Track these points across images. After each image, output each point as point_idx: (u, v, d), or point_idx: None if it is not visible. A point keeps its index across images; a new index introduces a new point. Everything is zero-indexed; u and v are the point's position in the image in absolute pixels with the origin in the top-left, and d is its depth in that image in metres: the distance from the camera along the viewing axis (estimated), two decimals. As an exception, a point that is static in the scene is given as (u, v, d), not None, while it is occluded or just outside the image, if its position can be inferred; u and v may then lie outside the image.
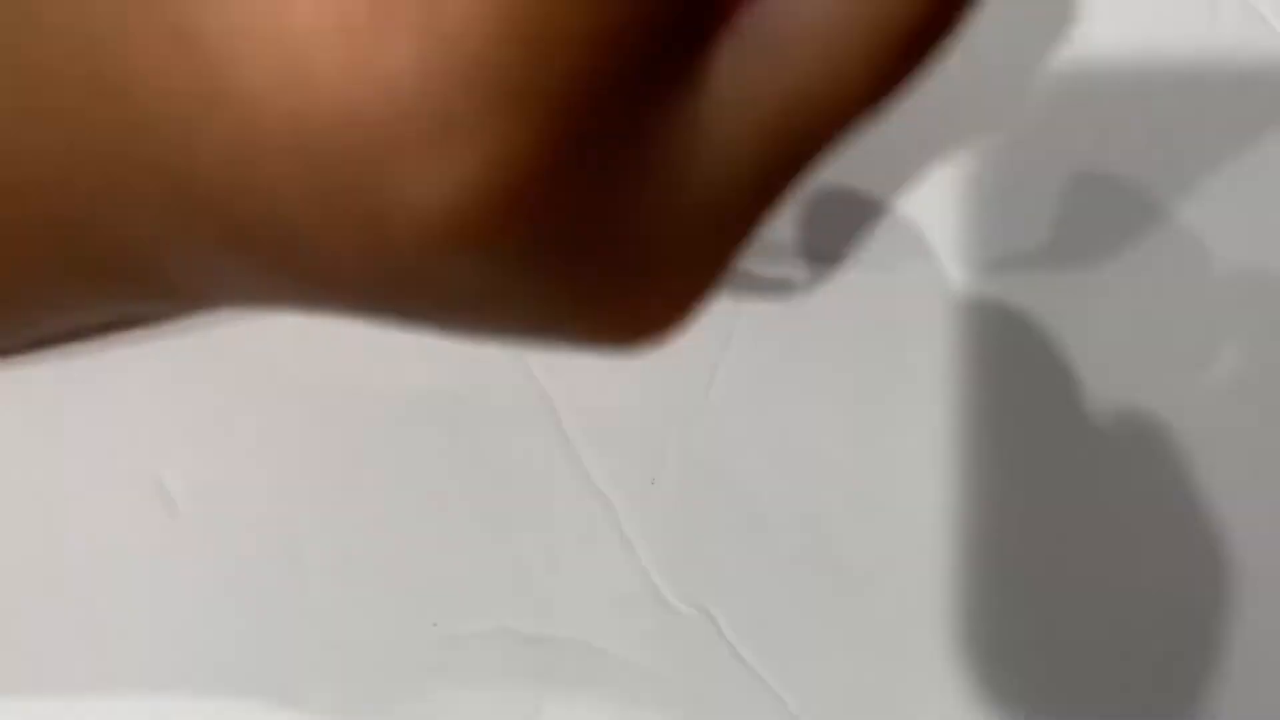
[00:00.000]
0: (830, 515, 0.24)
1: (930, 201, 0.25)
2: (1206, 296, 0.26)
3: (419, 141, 0.10)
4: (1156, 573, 0.25)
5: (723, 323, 0.24)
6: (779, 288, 0.25)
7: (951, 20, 0.12)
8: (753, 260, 0.26)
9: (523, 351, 0.23)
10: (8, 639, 0.23)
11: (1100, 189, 0.27)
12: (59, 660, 0.23)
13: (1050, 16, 0.27)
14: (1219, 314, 0.26)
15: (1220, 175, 0.26)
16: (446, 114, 0.09)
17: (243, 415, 0.23)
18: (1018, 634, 0.24)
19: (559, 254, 0.11)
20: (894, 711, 0.24)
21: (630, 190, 0.11)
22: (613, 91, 0.10)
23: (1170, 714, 0.24)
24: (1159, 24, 0.27)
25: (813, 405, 0.24)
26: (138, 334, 0.24)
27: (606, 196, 0.11)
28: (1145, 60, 0.27)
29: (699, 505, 0.24)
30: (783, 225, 0.25)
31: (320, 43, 0.09)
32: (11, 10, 0.11)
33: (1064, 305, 0.25)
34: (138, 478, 0.24)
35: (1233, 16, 0.28)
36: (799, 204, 0.25)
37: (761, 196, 0.13)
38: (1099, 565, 0.25)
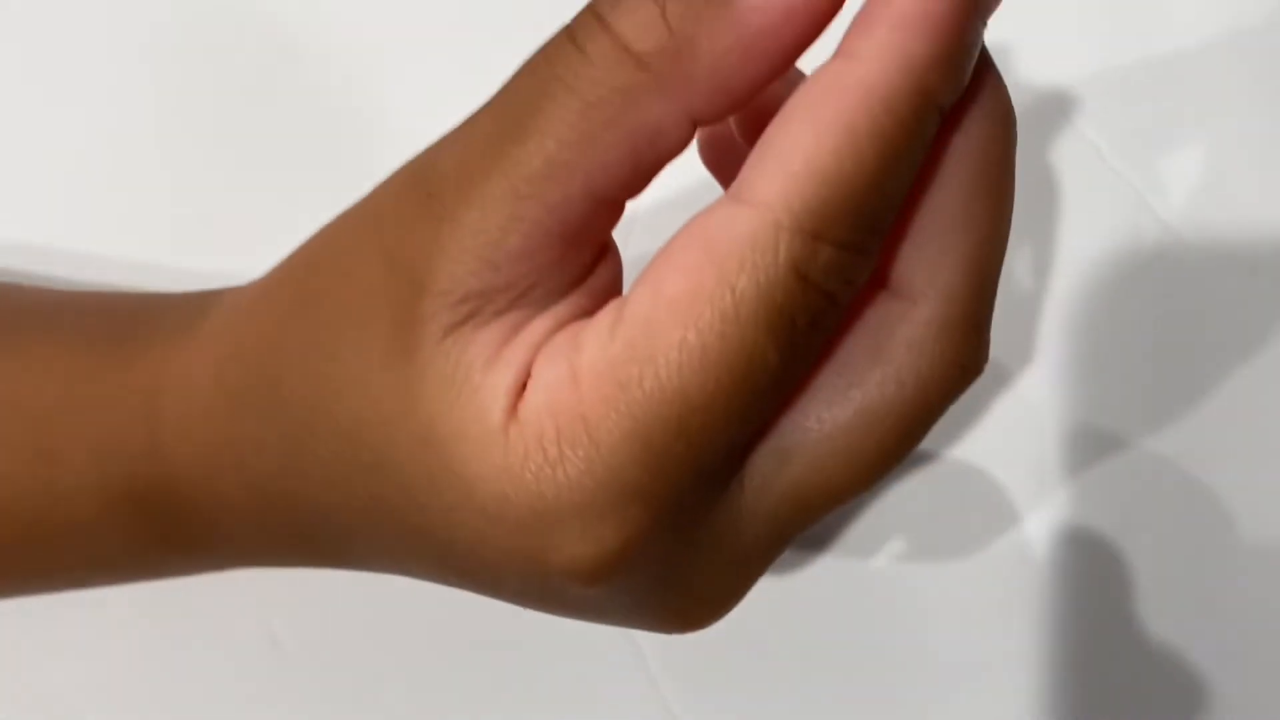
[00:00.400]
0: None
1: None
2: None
3: (581, 523, 0.17)
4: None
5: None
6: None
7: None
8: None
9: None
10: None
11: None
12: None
13: None
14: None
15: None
16: (601, 511, 0.17)
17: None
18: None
19: (649, 586, 0.18)
20: None
21: (692, 548, 0.18)
22: (696, 499, 0.18)
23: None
24: None
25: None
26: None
27: (679, 552, 0.18)
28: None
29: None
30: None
31: (527, 454, 0.17)
32: (296, 422, 0.19)
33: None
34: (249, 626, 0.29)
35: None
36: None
37: (778, 546, 0.19)
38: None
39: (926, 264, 0.18)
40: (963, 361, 0.19)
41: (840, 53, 0.17)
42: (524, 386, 0.18)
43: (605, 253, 0.20)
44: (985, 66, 0.19)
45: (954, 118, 0.18)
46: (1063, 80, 0.33)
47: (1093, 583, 0.29)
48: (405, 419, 0.18)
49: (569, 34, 0.18)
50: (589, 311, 0.19)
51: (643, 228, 0.32)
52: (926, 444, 0.30)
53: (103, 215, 0.33)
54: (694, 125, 0.18)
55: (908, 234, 0.19)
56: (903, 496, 0.30)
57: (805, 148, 0.16)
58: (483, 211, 0.17)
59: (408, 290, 0.18)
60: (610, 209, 0.19)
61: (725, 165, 0.23)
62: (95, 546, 0.23)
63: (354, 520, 0.19)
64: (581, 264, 0.19)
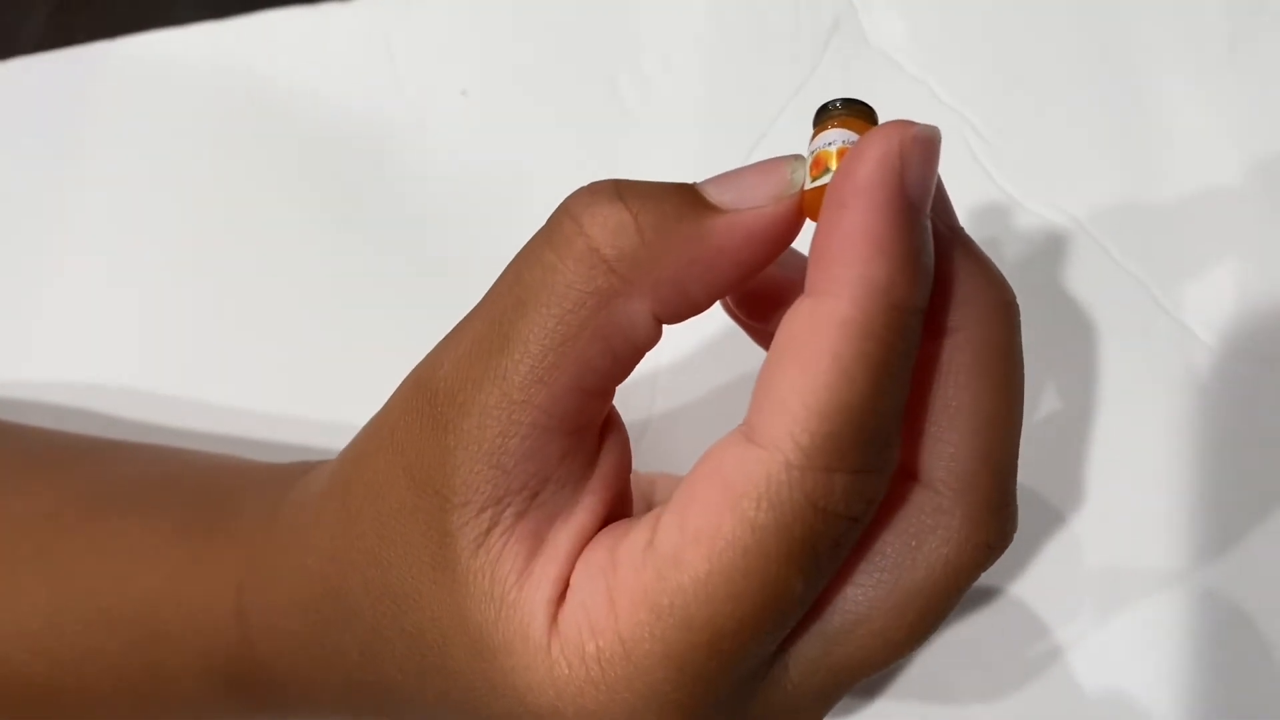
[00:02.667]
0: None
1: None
2: None
3: None
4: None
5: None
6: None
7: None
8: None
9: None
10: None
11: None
12: None
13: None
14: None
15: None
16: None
17: None
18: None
19: None
20: None
21: None
22: (736, 697, 0.19)
23: None
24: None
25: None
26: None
27: None
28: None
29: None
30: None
31: (571, 668, 0.18)
32: (366, 629, 0.20)
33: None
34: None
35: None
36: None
37: (822, 713, 0.21)
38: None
39: (945, 456, 0.20)
40: (989, 541, 0.20)
41: (810, 290, 0.18)
42: (560, 598, 0.19)
43: (609, 429, 0.21)
44: (975, 262, 0.20)
45: (939, 315, 0.19)
46: (1098, 210, 0.34)
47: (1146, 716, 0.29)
48: (459, 631, 0.19)
49: (546, 237, 0.19)
50: (607, 503, 0.20)
51: (665, 385, 0.33)
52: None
53: (198, 362, 0.35)
54: (661, 323, 0.20)
55: (924, 428, 0.20)
56: (956, 636, 0.30)
57: (800, 388, 0.18)
58: (481, 420, 0.19)
59: (434, 503, 0.19)
60: (601, 397, 0.20)
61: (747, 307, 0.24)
62: (198, 718, 0.25)
63: (430, 708, 0.21)
64: (586, 449, 0.20)
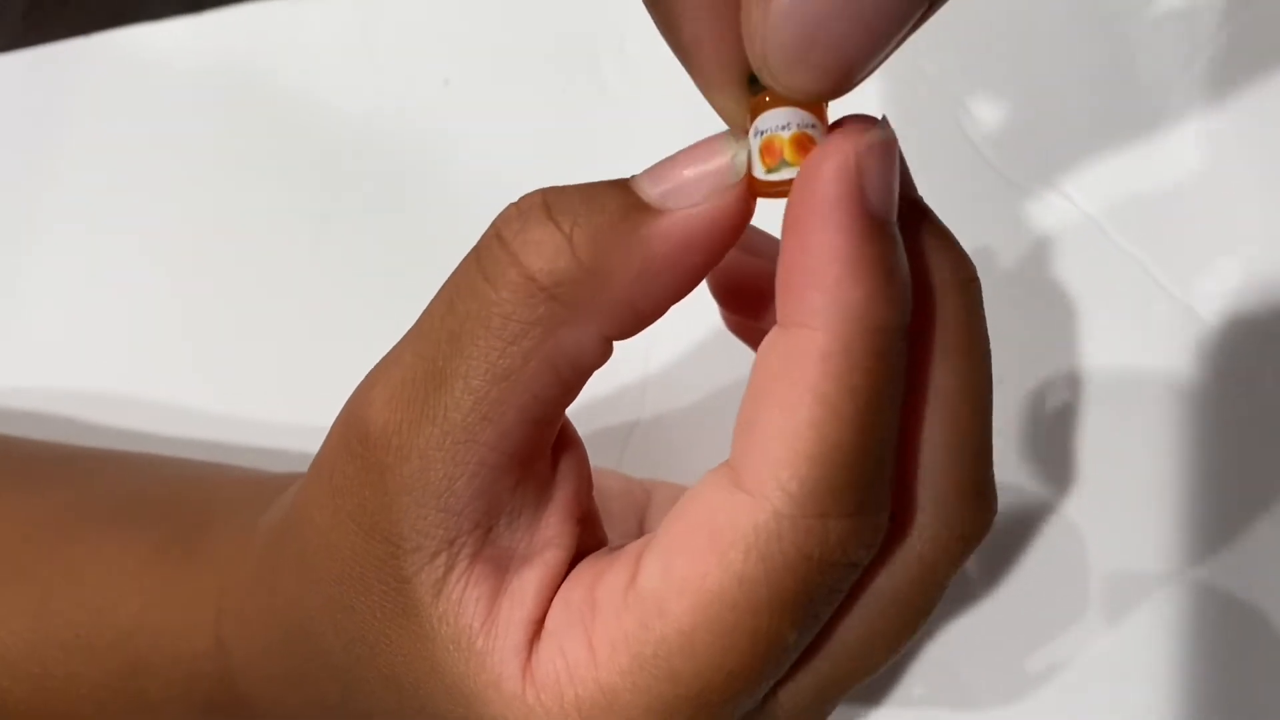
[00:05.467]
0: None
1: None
2: None
3: None
4: None
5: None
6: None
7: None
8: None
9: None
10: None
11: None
12: None
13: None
14: None
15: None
16: None
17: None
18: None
19: None
20: None
21: None
22: None
23: None
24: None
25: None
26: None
27: None
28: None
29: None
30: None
31: (548, 716, 0.18)
32: (342, 668, 0.20)
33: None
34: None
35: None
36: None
37: None
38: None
39: (908, 445, 0.18)
40: (964, 533, 0.19)
41: (783, 321, 0.17)
42: (532, 641, 0.18)
43: (563, 447, 0.20)
44: (936, 238, 0.18)
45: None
46: (1093, 189, 0.33)
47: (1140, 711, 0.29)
48: (432, 677, 0.18)
49: (478, 265, 0.18)
50: (570, 529, 0.19)
51: (655, 386, 0.33)
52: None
53: (181, 365, 0.35)
54: (611, 341, 0.18)
55: None
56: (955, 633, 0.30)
57: (784, 431, 0.16)
58: (423, 463, 0.18)
59: (385, 549, 0.18)
60: (550, 424, 0.19)
61: (734, 300, 0.24)
62: None
63: None
64: (540, 474, 0.19)
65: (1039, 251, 0.33)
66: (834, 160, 0.17)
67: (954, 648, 0.30)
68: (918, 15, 0.16)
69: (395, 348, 0.19)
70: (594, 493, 0.23)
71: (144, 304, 0.35)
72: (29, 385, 0.35)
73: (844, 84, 0.16)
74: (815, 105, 0.18)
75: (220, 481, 0.26)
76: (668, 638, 0.17)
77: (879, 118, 0.18)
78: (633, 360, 0.33)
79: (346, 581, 0.19)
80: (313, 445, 0.33)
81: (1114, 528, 0.30)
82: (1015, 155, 0.34)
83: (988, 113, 0.35)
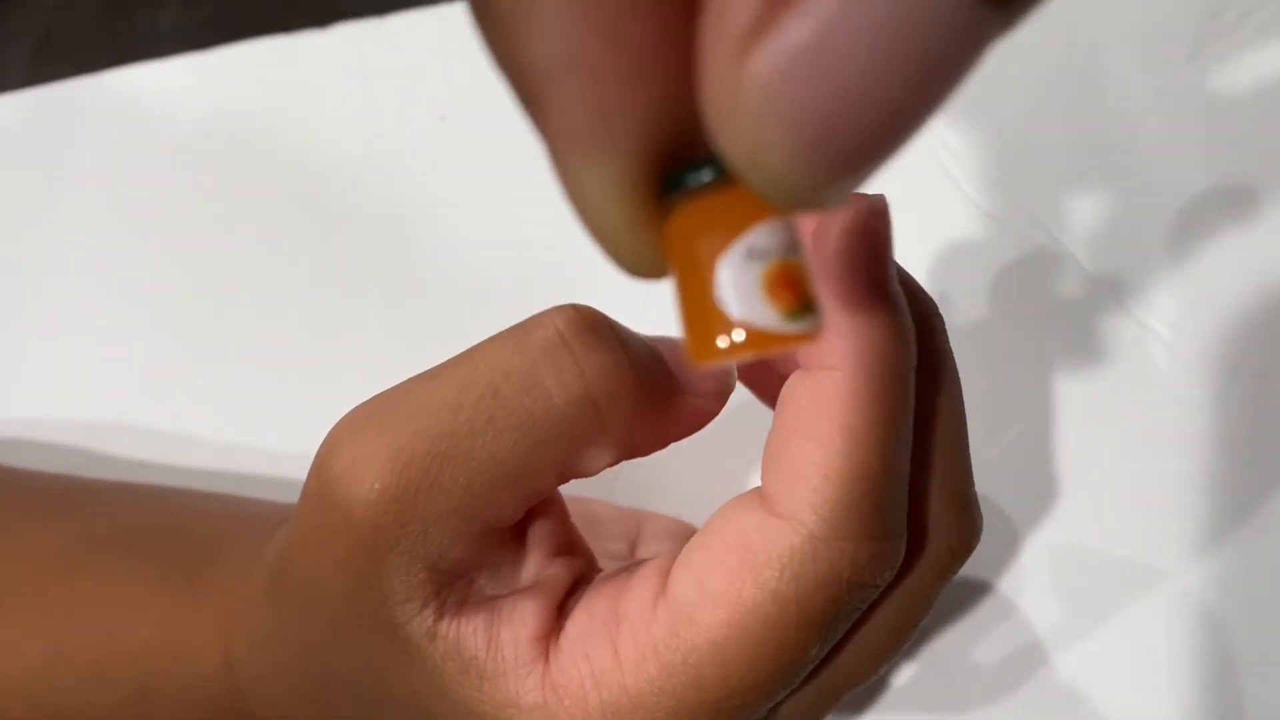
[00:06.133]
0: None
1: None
2: None
3: None
4: None
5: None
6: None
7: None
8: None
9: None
10: None
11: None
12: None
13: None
14: None
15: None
16: None
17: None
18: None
19: None
20: None
21: None
22: None
23: None
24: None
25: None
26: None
27: None
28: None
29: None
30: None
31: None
32: (355, 690, 0.20)
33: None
34: None
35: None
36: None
37: None
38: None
39: None
40: (951, 545, 0.20)
41: (808, 365, 0.18)
42: (542, 656, 0.19)
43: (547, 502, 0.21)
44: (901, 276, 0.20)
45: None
46: (1068, 219, 0.35)
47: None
48: (444, 702, 0.19)
49: (543, 364, 0.18)
50: (556, 564, 0.20)
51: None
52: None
53: (187, 397, 0.36)
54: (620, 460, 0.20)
55: None
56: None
57: (817, 460, 0.18)
58: (423, 530, 0.18)
59: (375, 597, 0.19)
60: (538, 500, 0.20)
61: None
62: None
63: None
64: (519, 530, 0.20)
65: (1013, 277, 0.34)
66: (842, 223, 0.18)
67: (943, 651, 0.31)
68: (980, 51, 0.10)
69: (390, 400, 0.19)
70: (586, 519, 0.25)
71: (149, 337, 0.36)
72: (40, 417, 0.36)
73: (868, 179, 0.11)
74: (763, 206, 0.12)
75: (227, 512, 0.27)
76: (699, 646, 0.18)
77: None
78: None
79: (341, 622, 0.20)
80: (305, 472, 0.34)
81: (1094, 537, 0.31)
82: (990, 184, 0.35)
83: (963, 144, 0.36)
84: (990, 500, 0.32)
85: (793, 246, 0.12)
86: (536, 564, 0.20)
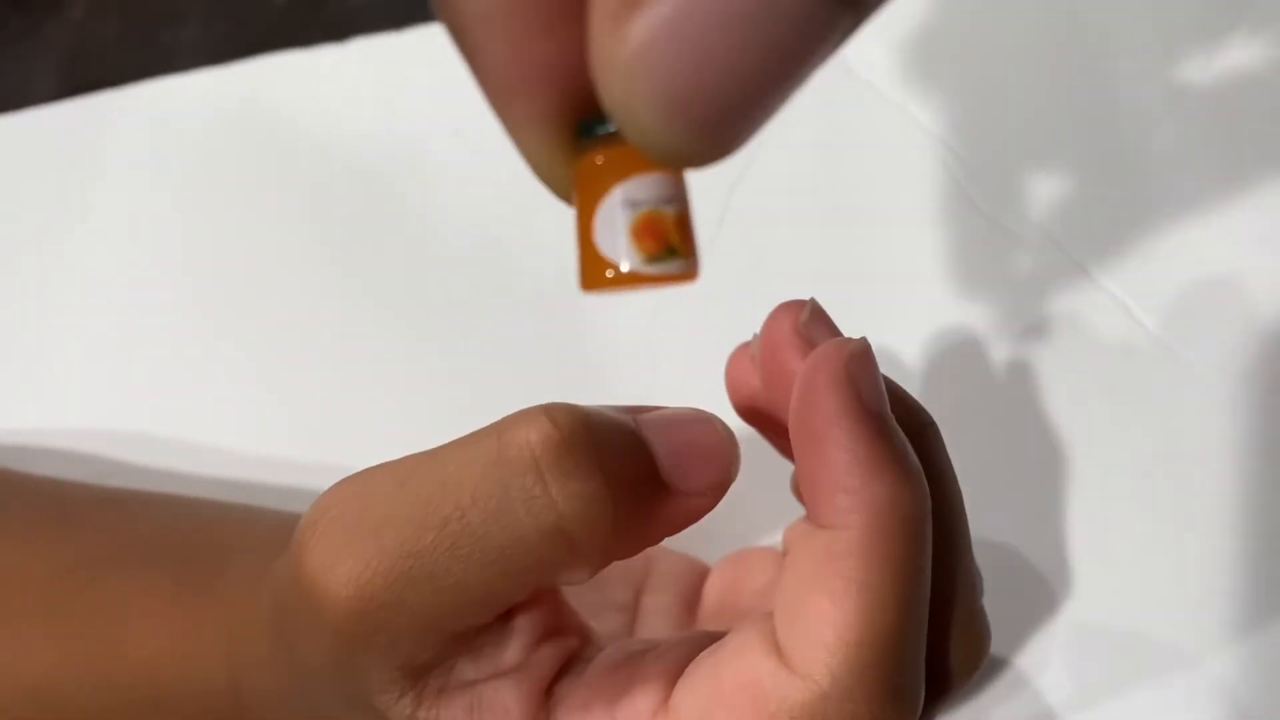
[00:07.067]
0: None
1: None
2: None
3: None
4: None
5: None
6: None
7: None
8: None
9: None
10: None
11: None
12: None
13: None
14: None
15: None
16: None
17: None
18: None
19: None
20: None
21: None
22: None
23: None
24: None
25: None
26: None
27: None
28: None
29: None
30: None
31: None
32: None
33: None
34: None
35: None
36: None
37: None
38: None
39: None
40: (964, 668, 0.21)
41: (819, 522, 0.18)
42: None
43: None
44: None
45: None
46: (1081, 232, 0.34)
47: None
48: None
49: (512, 494, 0.17)
50: (542, 649, 0.20)
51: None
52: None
53: (207, 406, 0.36)
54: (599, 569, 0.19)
55: None
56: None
57: (833, 619, 0.17)
58: (393, 639, 0.18)
59: (354, 679, 0.19)
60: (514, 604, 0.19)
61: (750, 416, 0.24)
62: None
63: None
64: (500, 620, 0.20)
65: (1028, 294, 0.34)
66: (826, 374, 0.17)
67: None
68: (834, 39, 0.11)
69: (361, 495, 0.19)
70: None
71: (171, 344, 0.37)
72: (62, 426, 0.36)
73: (734, 143, 0.12)
74: (644, 162, 0.14)
75: (239, 524, 0.28)
76: None
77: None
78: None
79: (329, 686, 0.20)
80: (323, 482, 0.34)
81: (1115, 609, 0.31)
82: (1000, 194, 0.35)
83: (972, 153, 0.36)
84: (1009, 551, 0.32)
85: (667, 199, 0.14)
86: (522, 647, 0.20)
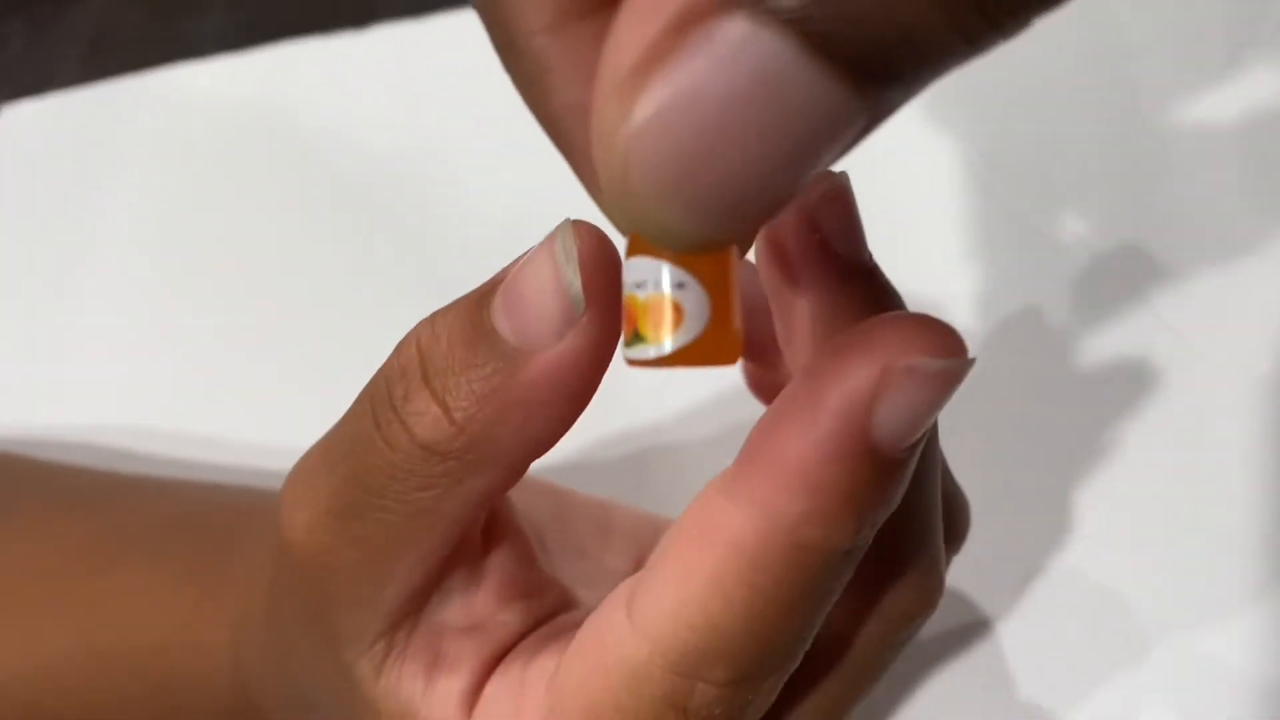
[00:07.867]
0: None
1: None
2: None
3: None
4: None
5: None
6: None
7: None
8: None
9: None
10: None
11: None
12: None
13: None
14: None
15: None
16: None
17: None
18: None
19: None
20: None
21: None
22: None
23: None
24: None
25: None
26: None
27: None
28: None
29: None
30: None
31: None
32: (336, 707, 0.21)
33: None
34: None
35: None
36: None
37: None
38: None
39: None
40: (911, 613, 0.20)
41: (727, 485, 0.16)
42: (470, 707, 0.19)
43: (501, 535, 0.21)
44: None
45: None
46: (1108, 235, 0.34)
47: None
48: None
49: (374, 423, 0.18)
50: (511, 609, 0.20)
51: (670, 421, 0.33)
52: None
53: (222, 397, 0.36)
54: (519, 474, 0.18)
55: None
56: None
57: (677, 594, 0.16)
58: (351, 580, 0.19)
59: (326, 633, 0.20)
60: (472, 525, 0.20)
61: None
62: None
63: None
64: (469, 556, 0.20)
65: (1055, 297, 0.34)
66: (842, 393, 0.15)
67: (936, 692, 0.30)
68: (849, 136, 0.11)
69: (312, 457, 0.20)
70: (597, 528, 0.25)
71: (190, 335, 0.37)
72: (78, 418, 0.36)
73: (733, 232, 0.11)
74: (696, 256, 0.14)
75: (247, 508, 0.28)
76: None
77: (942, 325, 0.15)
78: (646, 400, 0.34)
79: (301, 656, 0.21)
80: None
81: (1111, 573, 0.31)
82: (1023, 193, 0.35)
83: (996, 152, 0.35)
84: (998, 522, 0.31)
85: (638, 285, 0.14)
86: (493, 601, 0.20)
